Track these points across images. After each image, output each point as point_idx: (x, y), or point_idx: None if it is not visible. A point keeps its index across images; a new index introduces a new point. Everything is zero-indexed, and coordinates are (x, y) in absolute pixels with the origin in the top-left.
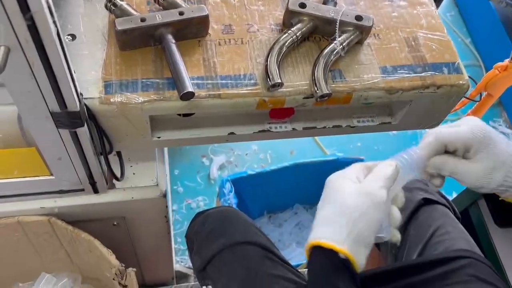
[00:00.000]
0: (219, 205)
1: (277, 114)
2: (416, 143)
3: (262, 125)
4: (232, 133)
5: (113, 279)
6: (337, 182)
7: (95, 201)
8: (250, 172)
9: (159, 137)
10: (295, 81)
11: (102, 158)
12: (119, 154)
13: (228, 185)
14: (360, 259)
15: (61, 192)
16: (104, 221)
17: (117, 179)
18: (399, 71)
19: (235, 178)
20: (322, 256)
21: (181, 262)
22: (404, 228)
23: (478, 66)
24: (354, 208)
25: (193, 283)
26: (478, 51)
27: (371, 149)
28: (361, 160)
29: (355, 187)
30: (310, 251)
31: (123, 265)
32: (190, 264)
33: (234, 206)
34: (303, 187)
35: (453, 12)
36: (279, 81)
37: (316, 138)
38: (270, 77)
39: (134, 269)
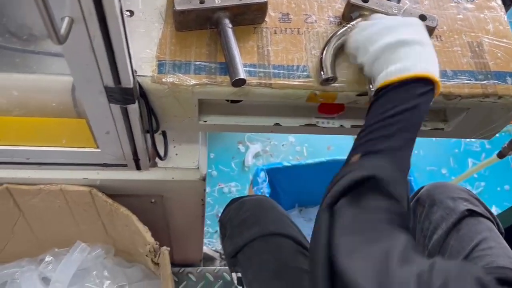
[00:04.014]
0: (252, 193)
1: (326, 109)
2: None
3: (309, 119)
4: (277, 124)
5: (146, 255)
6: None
7: (136, 178)
8: (286, 163)
9: (205, 121)
10: (349, 77)
11: (148, 136)
12: (164, 134)
13: (262, 174)
14: None
15: (105, 165)
16: (142, 198)
17: (160, 158)
18: (459, 77)
19: (270, 168)
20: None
21: (209, 244)
22: (444, 238)
23: None
24: None
25: (219, 267)
26: None
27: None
28: None
29: None
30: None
31: (158, 243)
32: (218, 248)
33: (267, 196)
34: None
35: None
36: (333, 75)
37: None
38: (324, 70)
39: (168, 248)
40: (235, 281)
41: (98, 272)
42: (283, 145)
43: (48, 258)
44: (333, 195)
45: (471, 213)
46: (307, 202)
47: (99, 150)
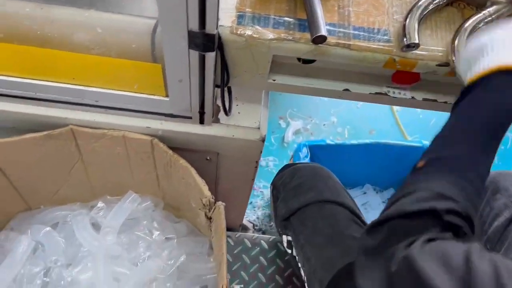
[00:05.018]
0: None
1: (400, 78)
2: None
3: (380, 87)
4: (347, 89)
5: (199, 209)
6: None
7: (198, 132)
8: (329, 141)
9: (274, 80)
10: (431, 45)
11: (216, 90)
12: (229, 90)
13: (304, 150)
14: None
15: (170, 116)
16: (199, 154)
17: (226, 113)
18: None
19: (312, 145)
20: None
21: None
22: (506, 226)
23: None
24: None
25: (257, 235)
26: None
27: None
28: None
29: None
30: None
31: (213, 197)
32: (251, 218)
33: None
34: (378, 168)
35: None
36: (416, 41)
37: (399, 121)
38: (407, 36)
39: (224, 204)
40: (285, 244)
41: (148, 222)
42: (324, 124)
43: (100, 205)
44: (389, 215)
45: None
46: (347, 183)
47: (168, 99)
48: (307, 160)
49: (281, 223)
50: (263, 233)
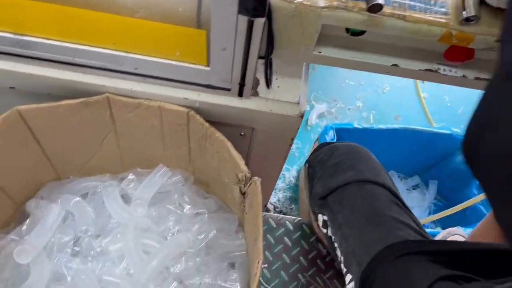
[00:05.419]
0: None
1: (454, 54)
2: None
3: (431, 64)
4: (395, 65)
5: (234, 184)
6: None
7: (236, 105)
8: (356, 125)
9: (320, 52)
10: (491, 20)
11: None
12: (270, 62)
13: (331, 133)
14: None
15: (209, 87)
16: (234, 128)
17: (268, 85)
18: None
19: (339, 128)
20: None
21: None
22: None
23: None
24: None
25: (281, 215)
26: None
27: None
28: None
29: None
30: None
31: (250, 172)
32: (271, 200)
33: None
34: (404, 154)
35: None
36: (476, 15)
37: (426, 108)
38: (467, 9)
39: (260, 179)
40: (320, 223)
41: (178, 196)
42: (349, 108)
43: (130, 177)
44: None
45: None
46: None
47: (209, 69)
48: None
49: (317, 202)
50: (284, 215)
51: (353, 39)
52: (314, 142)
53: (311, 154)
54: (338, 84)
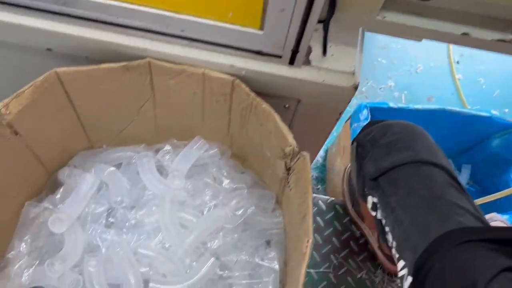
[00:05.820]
0: (348, 131)
1: None
2: None
3: (504, 34)
4: (465, 33)
5: (278, 158)
6: None
7: (285, 74)
8: (391, 104)
9: (384, 17)
10: None
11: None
12: (326, 29)
13: (365, 112)
14: None
15: (258, 53)
16: (279, 100)
17: (324, 52)
18: None
19: (374, 107)
20: None
21: None
22: None
23: None
24: None
25: (315, 194)
26: None
27: None
28: None
29: None
30: None
31: (298, 146)
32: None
33: None
34: (440, 136)
35: None
36: None
37: (461, 90)
38: None
39: (309, 154)
40: (369, 205)
41: (216, 170)
42: (380, 88)
43: (167, 148)
44: None
45: None
46: None
47: (262, 33)
48: (366, 122)
49: (368, 183)
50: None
51: (421, 4)
52: (346, 121)
53: (360, 132)
54: (369, 63)
